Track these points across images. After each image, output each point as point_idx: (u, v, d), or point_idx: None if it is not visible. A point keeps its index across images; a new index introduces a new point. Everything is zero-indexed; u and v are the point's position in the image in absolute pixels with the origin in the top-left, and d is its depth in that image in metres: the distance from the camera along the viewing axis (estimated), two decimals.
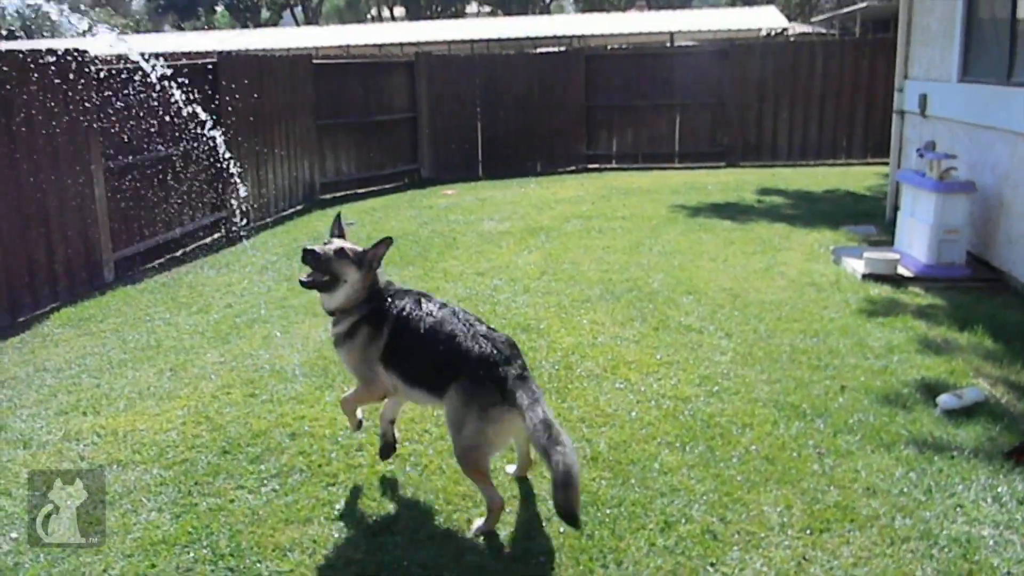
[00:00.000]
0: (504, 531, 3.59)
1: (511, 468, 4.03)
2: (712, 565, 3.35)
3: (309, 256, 3.79)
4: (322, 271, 3.83)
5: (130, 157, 8.55)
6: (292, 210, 11.95)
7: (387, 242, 3.93)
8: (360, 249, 3.91)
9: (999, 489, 3.86)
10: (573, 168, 15.58)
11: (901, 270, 7.48)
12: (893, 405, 4.79)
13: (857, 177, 13.65)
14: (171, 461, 4.30)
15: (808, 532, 3.56)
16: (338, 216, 4.15)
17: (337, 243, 3.91)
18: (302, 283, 3.87)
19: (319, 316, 6.71)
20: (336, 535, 3.60)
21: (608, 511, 3.72)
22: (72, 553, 3.49)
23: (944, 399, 4.74)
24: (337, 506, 3.82)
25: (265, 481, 4.07)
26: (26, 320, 6.91)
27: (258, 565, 3.39)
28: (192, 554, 3.48)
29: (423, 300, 3.86)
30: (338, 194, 13.14)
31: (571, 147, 15.70)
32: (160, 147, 9.02)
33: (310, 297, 7.30)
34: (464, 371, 3.51)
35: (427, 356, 3.68)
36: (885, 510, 3.71)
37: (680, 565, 3.34)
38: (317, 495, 3.92)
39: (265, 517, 3.74)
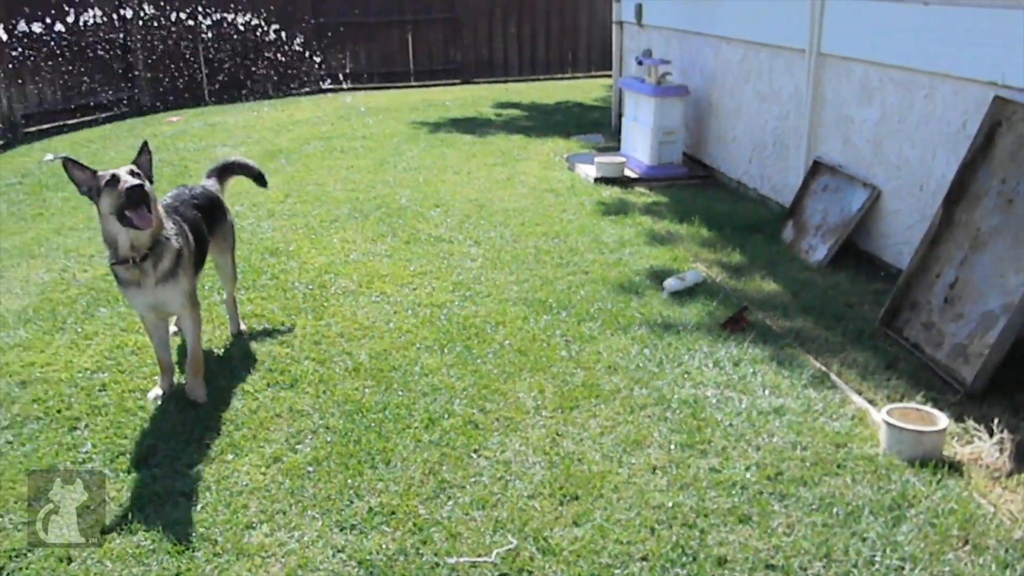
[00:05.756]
0: (269, 447, 3.55)
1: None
2: (475, 451, 3.53)
3: (138, 192, 3.48)
4: (146, 201, 3.54)
5: None
6: None
7: (145, 146, 3.74)
8: (138, 166, 3.67)
9: (718, 355, 4.36)
10: (307, 90, 15.06)
11: (628, 172, 8.06)
12: (627, 292, 5.22)
13: (584, 89, 14.38)
14: None
15: (560, 411, 3.84)
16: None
17: (123, 168, 3.59)
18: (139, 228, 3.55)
19: (37, 258, 6.11)
20: None
21: (373, 416, 3.79)
22: None
23: (669, 283, 5.24)
24: (84, 449, 3.57)
25: None
26: None
27: (1, 519, 3.12)
28: None
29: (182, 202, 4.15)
30: (45, 126, 11.80)
31: (303, 67, 15.11)
32: None
33: (26, 238, 6.61)
34: None
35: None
36: (625, 384, 4.08)
37: (446, 455, 3.49)
38: (60, 441, 3.64)
39: (1, 471, 3.42)
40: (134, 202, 3.50)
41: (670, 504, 3.16)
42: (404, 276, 5.54)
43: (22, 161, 9.85)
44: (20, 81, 11.53)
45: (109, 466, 3.45)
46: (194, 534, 3.01)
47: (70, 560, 2.91)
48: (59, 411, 3.89)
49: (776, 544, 2.94)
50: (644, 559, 2.88)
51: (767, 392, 3.98)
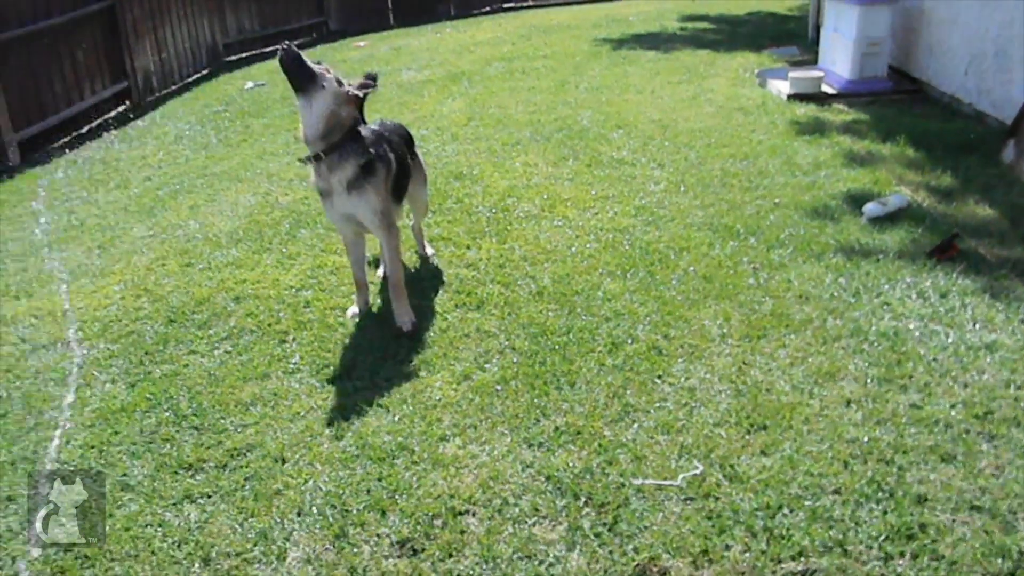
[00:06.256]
0: (459, 365, 3.69)
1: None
2: (659, 377, 3.51)
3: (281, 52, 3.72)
4: (299, 70, 3.71)
5: (17, 29, 7.94)
6: (198, 75, 11.39)
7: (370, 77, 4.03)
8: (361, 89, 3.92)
9: (923, 285, 4.07)
10: (488, 9, 15.08)
11: (825, 88, 7.57)
12: (822, 218, 4.95)
13: None
14: (117, 335, 4.25)
15: (747, 340, 3.74)
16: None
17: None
18: (283, 51, 3.71)
19: (244, 182, 6.55)
20: (296, 386, 3.65)
21: (558, 339, 3.84)
22: (27, 431, 3.48)
23: (869, 207, 4.92)
24: (293, 360, 3.86)
25: (216, 344, 4.08)
26: None
27: (222, 421, 3.44)
28: (154, 418, 3.50)
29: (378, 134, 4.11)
30: (244, 54, 12.53)
31: None
32: (49, 15, 8.38)
33: (233, 163, 7.10)
34: None
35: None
36: (817, 314, 3.91)
37: (629, 380, 3.50)
38: (271, 352, 3.95)
39: (222, 377, 3.76)
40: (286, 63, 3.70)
41: (865, 439, 3.03)
42: (586, 200, 5.52)
43: (225, 89, 10.52)
44: (223, 13, 12.23)
45: (315, 377, 3.71)
46: (393, 443, 3.20)
47: (284, 461, 3.18)
48: (269, 325, 4.21)
49: (982, 485, 2.76)
50: (836, 492, 2.79)
51: (977, 326, 3.70)
